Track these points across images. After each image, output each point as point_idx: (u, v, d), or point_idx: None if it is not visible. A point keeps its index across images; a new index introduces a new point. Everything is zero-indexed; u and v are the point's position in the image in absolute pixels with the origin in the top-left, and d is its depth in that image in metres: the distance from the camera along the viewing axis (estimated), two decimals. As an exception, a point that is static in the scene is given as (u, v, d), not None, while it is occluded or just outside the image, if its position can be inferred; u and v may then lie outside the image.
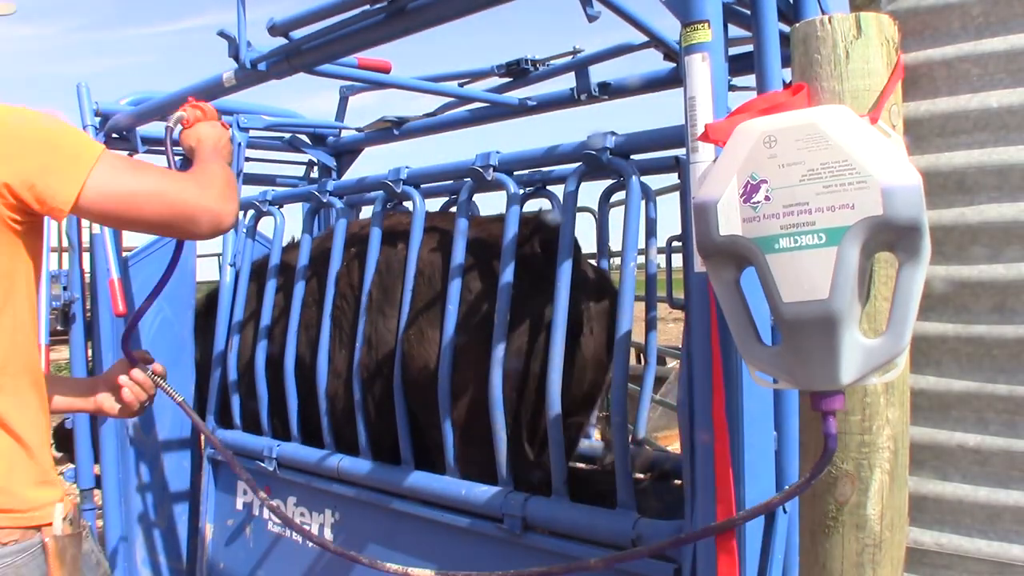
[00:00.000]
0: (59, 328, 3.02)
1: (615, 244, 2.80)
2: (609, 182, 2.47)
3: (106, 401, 1.60)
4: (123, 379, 1.58)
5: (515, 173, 2.21)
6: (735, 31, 1.53)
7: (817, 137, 1.01)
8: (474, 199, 2.43)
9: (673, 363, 5.78)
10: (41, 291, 2.79)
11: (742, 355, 1.14)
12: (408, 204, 2.42)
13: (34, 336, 1.36)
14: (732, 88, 1.99)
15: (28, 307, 1.32)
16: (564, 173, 2.28)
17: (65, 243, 3.10)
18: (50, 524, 1.28)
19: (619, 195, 2.53)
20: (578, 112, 2.87)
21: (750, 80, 1.61)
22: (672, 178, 3.00)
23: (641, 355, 3.92)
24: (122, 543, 2.95)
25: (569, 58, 2.63)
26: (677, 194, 2.40)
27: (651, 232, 2.56)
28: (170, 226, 1.38)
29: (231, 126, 2.74)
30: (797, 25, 1.15)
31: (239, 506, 2.74)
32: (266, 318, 2.61)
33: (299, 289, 2.53)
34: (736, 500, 1.42)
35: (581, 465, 2.73)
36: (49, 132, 1.28)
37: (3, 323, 1.27)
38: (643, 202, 2.15)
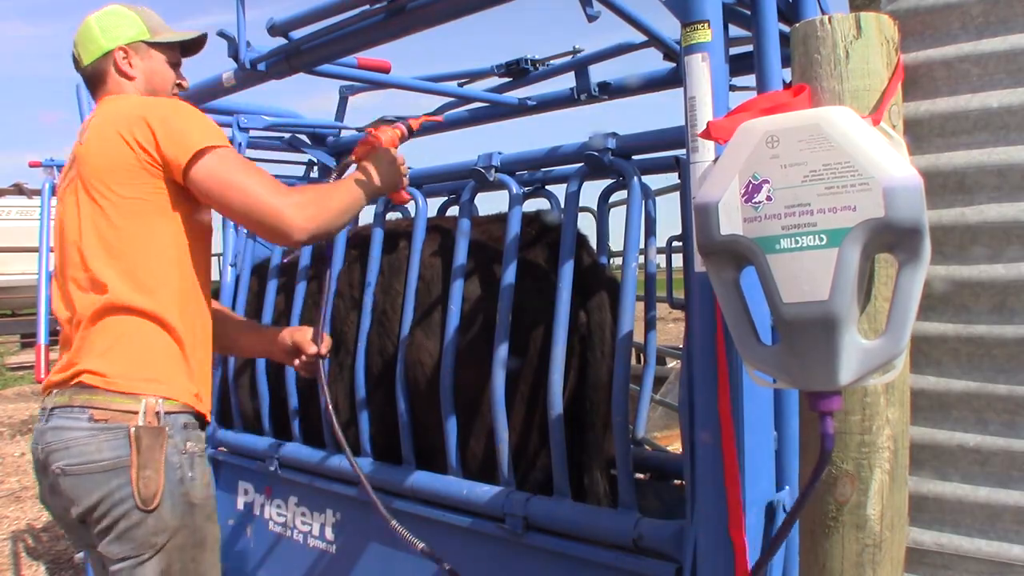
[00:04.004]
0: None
1: (614, 244, 2.81)
2: (608, 182, 2.47)
3: (284, 358, 1.92)
4: (296, 363, 1.89)
5: (515, 173, 2.21)
6: (735, 31, 1.53)
7: (820, 138, 1.01)
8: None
9: (673, 363, 5.77)
10: (41, 291, 2.81)
11: (741, 354, 1.14)
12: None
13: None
14: (732, 88, 1.99)
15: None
16: (563, 173, 2.28)
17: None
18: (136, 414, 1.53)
19: (618, 195, 2.53)
20: (578, 112, 2.87)
21: (750, 80, 1.61)
22: (672, 178, 3.01)
23: (641, 355, 3.91)
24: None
25: (569, 58, 2.63)
26: (677, 194, 2.40)
27: (651, 232, 2.56)
28: (247, 219, 1.55)
29: (232, 126, 2.75)
30: (797, 25, 1.15)
31: (240, 506, 2.74)
32: (267, 318, 2.61)
33: (300, 289, 2.53)
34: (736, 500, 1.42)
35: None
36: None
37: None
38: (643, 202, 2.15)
